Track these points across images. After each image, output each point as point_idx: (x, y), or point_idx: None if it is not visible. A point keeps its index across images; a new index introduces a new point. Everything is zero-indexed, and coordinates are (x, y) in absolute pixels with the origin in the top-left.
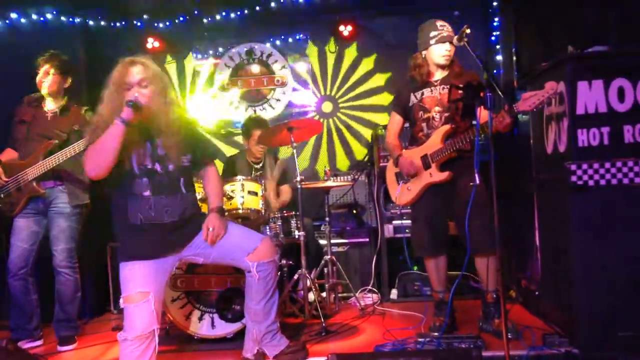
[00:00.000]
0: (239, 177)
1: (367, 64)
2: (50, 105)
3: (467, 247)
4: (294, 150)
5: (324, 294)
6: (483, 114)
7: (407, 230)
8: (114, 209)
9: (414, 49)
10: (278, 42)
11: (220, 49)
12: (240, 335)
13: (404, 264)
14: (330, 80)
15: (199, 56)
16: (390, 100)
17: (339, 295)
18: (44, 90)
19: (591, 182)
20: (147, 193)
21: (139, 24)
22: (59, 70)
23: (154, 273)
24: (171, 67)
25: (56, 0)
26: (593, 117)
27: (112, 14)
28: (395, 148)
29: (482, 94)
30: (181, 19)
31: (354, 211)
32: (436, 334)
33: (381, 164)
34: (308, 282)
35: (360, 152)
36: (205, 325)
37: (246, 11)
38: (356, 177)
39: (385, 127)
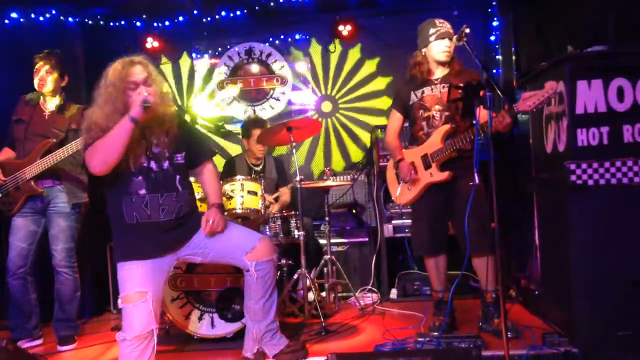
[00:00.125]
0: (238, 177)
1: (370, 66)
2: (48, 104)
3: (466, 247)
4: (294, 150)
5: (323, 294)
6: (483, 114)
7: (407, 230)
8: (110, 208)
9: (415, 49)
10: (277, 42)
11: (220, 49)
12: (240, 334)
13: (403, 263)
14: (329, 79)
15: (199, 56)
16: (385, 84)
17: (339, 294)
18: (42, 89)
19: (590, 182)
20: (142, 191)
21: (138, 23)
22: (55, 69)
23: (152, 273)
24: (170, 66)
25: (56, 0)
26: (592, 116)
27: (112, 14)
28: (396, 149)
29: (481, 94)
30: (180, 18)
31: (354, 211)
32: (436, 333)
33: (381, 164)
34: (308, 282)
35: (356, 154)
36: (205, 325)
37: (245, 11)
38: (356, 176)
39: (384, 127)
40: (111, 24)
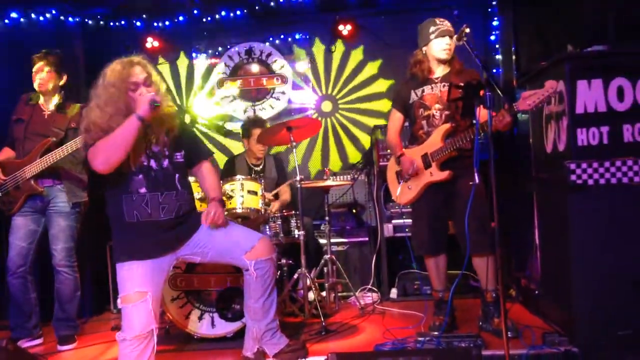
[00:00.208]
0: (238, 177)
1: (372, 68)
2: (47, 104)
3: (466, 247)
4: (294, 150)
5: (323, 293)
6: (483, 113)
7: (407, 230)
8: (110, 207)
9: (414, 47)
10: (277, 42)
11: (220, 49)
12: (240, 334)
13: (403, 263)
14: (329, 79)
15: (199, 55)
16: (386, 86)
17: (339, 294)
18: (40, 89)
19: (590, 181)
20: (143, 190)
21: (138, 23)
22: (54, 68)
23: (152, 273)
24: (170, 66)
25: (56, 0)
26: (592, 116)
27: (112, 14)
28: (397, 147)
29: (481, 93)
30: (181, 18)
31: (354, 210)
32: (436, 333)
33: (380, 164)
34: (308, 282)
35: (354, 155)
36: (205, 325)
37: (245, 10)
38: (356, 176)
39: (385, 127)
40: (111, 23)
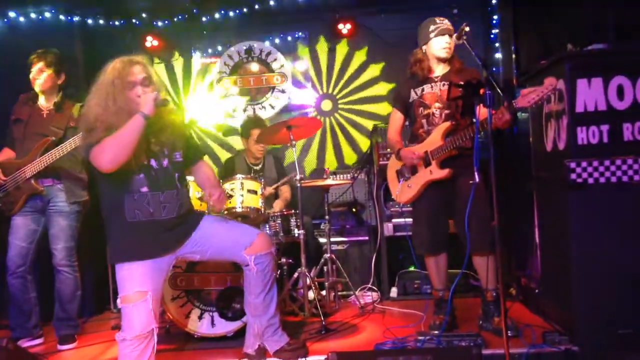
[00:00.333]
0: (238, 176)
1: (374, 70)
2: (45, 103)
3: (466, 246)
4: (294, 149)
5: (323, 292)
6: (482, 112)
7: (407, 229)
8: (108, 207)
9: (414, 46)
10: (277, 41)
11: (220, 48)
12: (240, 333)
13: (404, 262)
14: (329, 78)
15: (198, 55)
16: (388, 89)
17: (339, 293)
18: (38, 88)
19: (591, 180)
20: (144, 189)
21: (137, 22)
22: (52, 67)
23: (152, 272)
24: (170, 65)
25: None
26: (592, 115)
27: (111, 13)
28: (397, 143)
29: (481, 92)
30: (180, 17)
31: (354, 209)
32: (436, 332)
33: (380, 162)
34: (308, 281)
35: (350, 156)
36: (205, 324)
37: (245, 9)
38: (355, 175)
39: (385, 118)
40: (111, 22)
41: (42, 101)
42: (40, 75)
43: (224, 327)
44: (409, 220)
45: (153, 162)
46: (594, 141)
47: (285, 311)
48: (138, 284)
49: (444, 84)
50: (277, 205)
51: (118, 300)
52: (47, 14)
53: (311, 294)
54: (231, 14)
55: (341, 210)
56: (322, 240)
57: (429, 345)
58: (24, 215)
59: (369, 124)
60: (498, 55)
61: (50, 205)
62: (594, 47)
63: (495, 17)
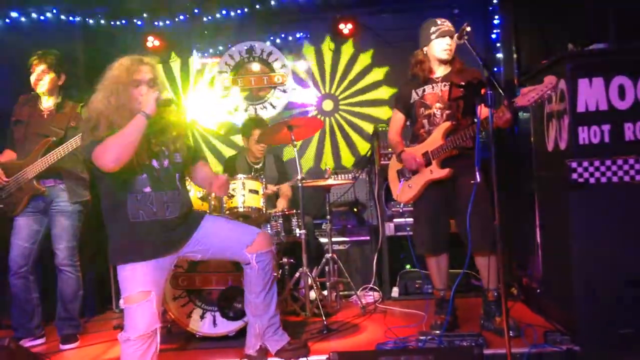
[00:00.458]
0: (239, 176)
1: (364, 59)
2: (46, 104)
3: (468, 245)
4: (295, 149)
5: (325, 292)
6: (484, 112)
7: (408, 229)
8: (109, 208)
9: (415, 46)
10: (278, 41)
11: (221, 48)
12: (242, 333)
13: (405, 262)
14: (330, 78)
15: (200, 55)
16: (390, 94)
17: (340, 293)
18: (39, 89)
19: (592, 180)
20: (147, 189)
21: (139, 22)
22: (52, 68)
23: (154, 272)
24: (171, 65)
25: None
26: (594, 114)
27: (112, 13)
28: (398, 144)
29: (482, 92)
30: (181, 17)
31: (355, 209)
32: (437, 332)
33: (382, 162)
34: (309, 280)
35: (363, 147)
36: (207, 324)
37: (246, 9)
38: (357, 175)
39: (387, 122)
40: (112, 23)
41: (42, 102)
42: (40, 77)
43: (226, 326)
44: (410, 220)
45: (154, 163)
46: (595, 141)
47: (287, 311)
48: (141, 284)
49: (445, 85)
50: (280, 204)
51: (121, 301)
52: (49, 14)
53: (313, 294)
54: (232, 14)
55: (342, 210)
56: (324, 240)
57: (430, 345)
58: (27, 216)
59: (368, 127)
60: (499, 55)
61: (52, 205)
62: (595, 46)
63: (496, 16)
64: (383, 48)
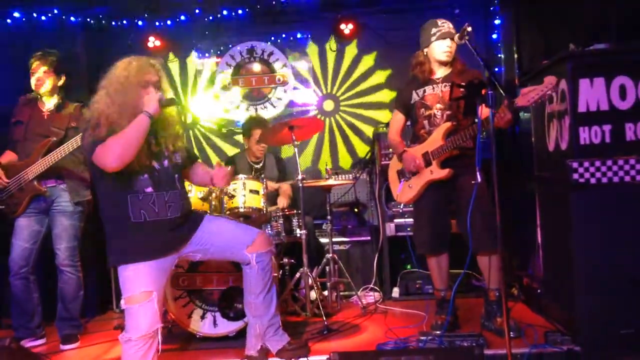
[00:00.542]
0: (240, 176)
1: (368, 61)
2: (46, 104)
3: (469, 246)
4: (296, 149)
5: (325, 293)
6: (485, 111)
7: (409, 229)
8: (109, 209)
9: (415, 46)
10: (279, 41)
11: (221, 48)
12: (242, 333)
13: (405, 262)
14: (331, 78)
15: (200, 55)
16: (391, 97)
17: (341, 293)
18: (39, 90)
19: (593, 180)
20: (149, 189)
21: (140, 22)
22: (52, 69)
23: (155, 272)
24: (172, 65)
25: None
26: (595, 115)
27: (113, 13)
28: (399, 145)
29: (483, 92)
30: (182, 17)
31: (356, 209)
32: (438, 332)
33: (382, 163)
34: (310, 281)
35: (362, 149)
36: (208, 324)
37: (247, 10)
38: (357, 175)
39: (387, 125)
40: (113, 23)
41: (42, 102)
42: (40, 77)
43: (226, 327)
44: (411, 220)
45: (154, 163)
46: (596, 141)
47: (287, 311)
48: (143, 284)
49: (445, 86)
50: (280, 202)
51: (122, 302)
52: (50, 14)
53: (313, 294)
54: (233, 14)
55: (343, 210)
56: (324, 240)
57: (431, 345)
58: (28, 217)
59: (368, 130)
60: (500, 55)
61: (53, 205)
62: (596, 46)
63: (497, 16)
64: (386, 50)
